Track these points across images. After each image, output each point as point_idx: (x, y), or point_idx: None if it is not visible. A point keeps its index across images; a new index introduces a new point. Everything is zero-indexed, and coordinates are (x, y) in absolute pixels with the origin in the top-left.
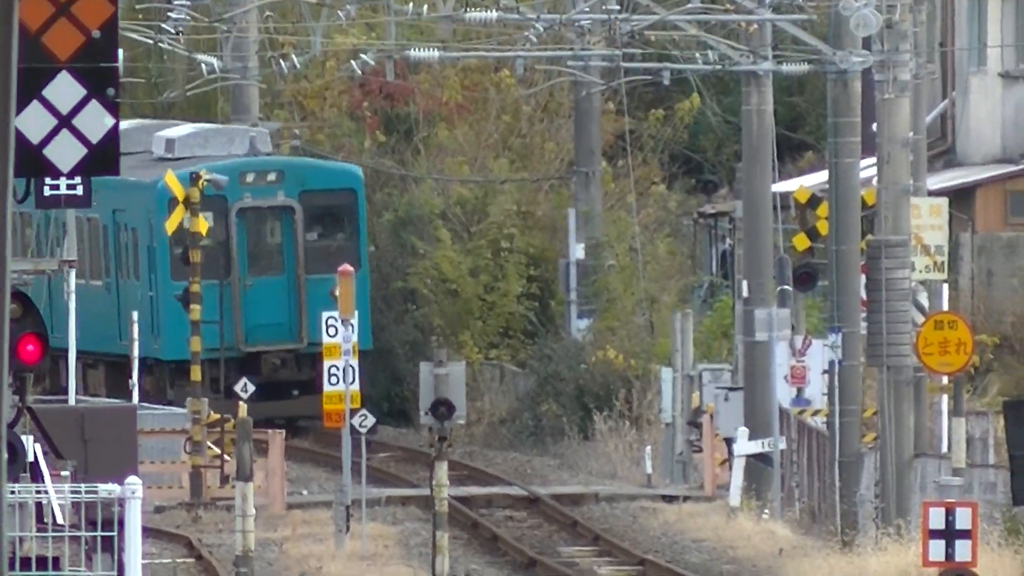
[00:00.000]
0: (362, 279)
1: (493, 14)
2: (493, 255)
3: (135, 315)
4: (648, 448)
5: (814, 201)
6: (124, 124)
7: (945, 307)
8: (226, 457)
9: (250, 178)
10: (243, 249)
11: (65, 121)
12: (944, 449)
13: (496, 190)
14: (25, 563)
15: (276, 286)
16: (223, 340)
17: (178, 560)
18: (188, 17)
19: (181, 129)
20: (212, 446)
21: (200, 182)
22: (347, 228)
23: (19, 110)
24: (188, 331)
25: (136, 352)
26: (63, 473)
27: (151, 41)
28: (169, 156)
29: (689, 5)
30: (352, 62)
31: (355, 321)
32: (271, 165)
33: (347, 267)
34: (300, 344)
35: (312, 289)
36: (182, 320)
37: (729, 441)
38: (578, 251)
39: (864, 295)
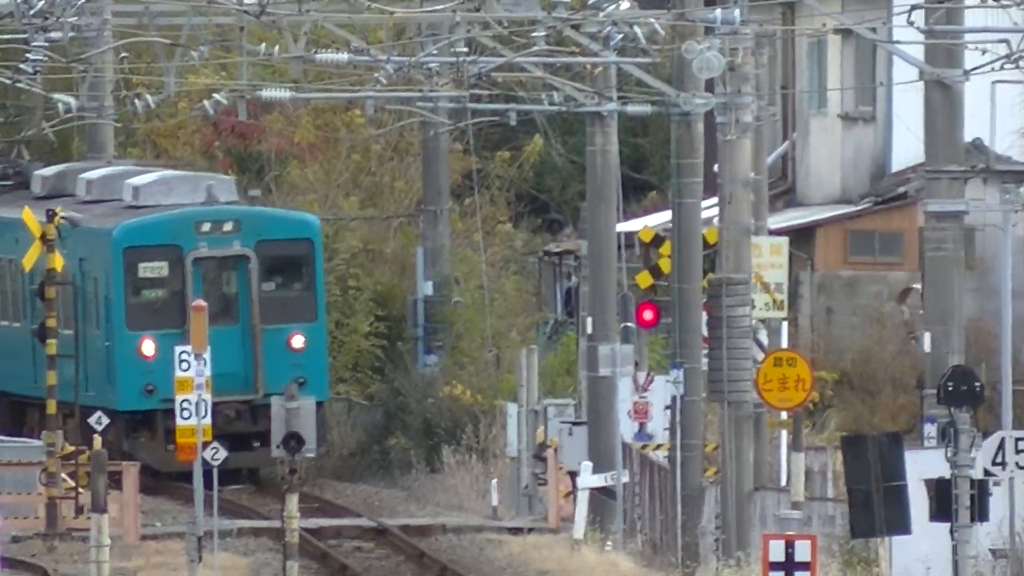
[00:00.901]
0: (319, 330)
1: (344, 55)
2: (342, 292)
3: None
4: (494, 481)
5: (657, 240)
6: (98, 172)
7: (785, 344)
8: (80, 489)
9: (206, 227)
10: (198, 298)
11: None
12: (783, 483)
13: (346, 228)
14: None
15: (231, 336)
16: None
17: None
18: (46, 57)
19: (146, 177)
20: (67, 478)
21: (56, 219)
22: (304, 278)
23: None
24: (144, 381)
25: None
26: None
27: (9, 81)
28: (135, 204)
29: (535, 48)
30: (205, 102)
31: (207, 355)
32: (227, 214)
33: (200, 303)
34: (256, 395)
35: (268, 339)
36: (138, 370)
37: (573, 474)
38: (426, 288)
39: (705, 332)
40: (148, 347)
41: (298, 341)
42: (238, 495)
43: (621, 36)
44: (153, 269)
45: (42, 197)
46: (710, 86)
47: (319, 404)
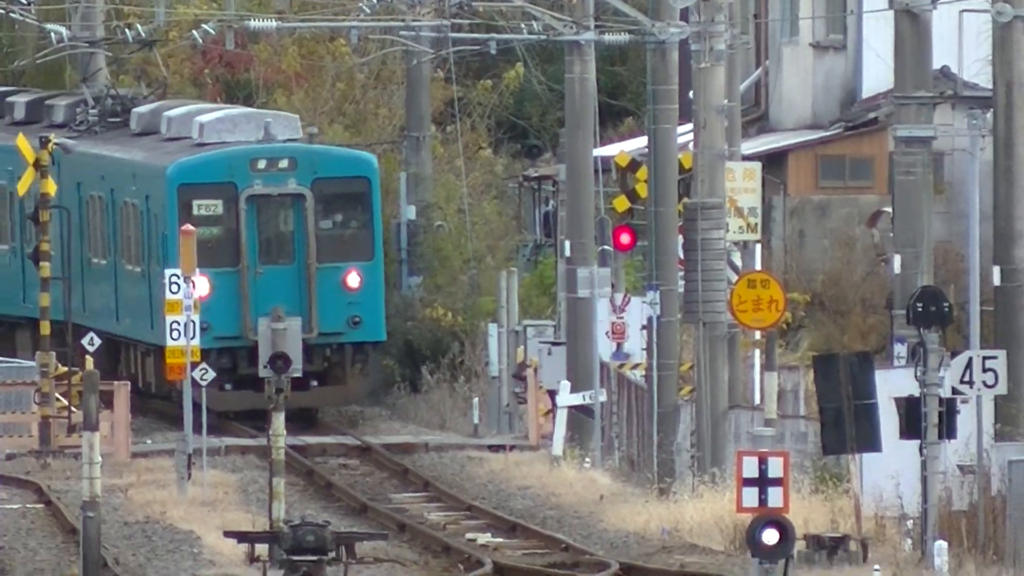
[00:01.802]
0: (376, 269)
1: None
2: None
3: None
4: (476, 400)
5: (634, 165)
6: (178, 110)
7: (758, 266)
8: (73, 408)
9: (261, 164)
10: (253, 237)
11: None
12: (757, 401)
13: None
14: None
15: (287, 275)
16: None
17: (28, 505)
18: None
19: (212, 115)
20: (60, 397)
21: (49, 146)
22: (361, 217)
23: None
24: (201, 320)
25: None
26: None
27: (3, 11)
28: (202, 141)
29: None
30: (194, 31)
31: (196, 278)
32: (283, 152)
33: (188, 227)
34: (311, 334)
35: (324, 278)
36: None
37: (552, 393)
38: (409, 212)
39: (681, 255)
40: (202, 285)
41: (354, 280)
42: (226, 414)
43: None
44: (207, 207)
45: (137, 134)
46: (685, 15)
47: (376, 344)
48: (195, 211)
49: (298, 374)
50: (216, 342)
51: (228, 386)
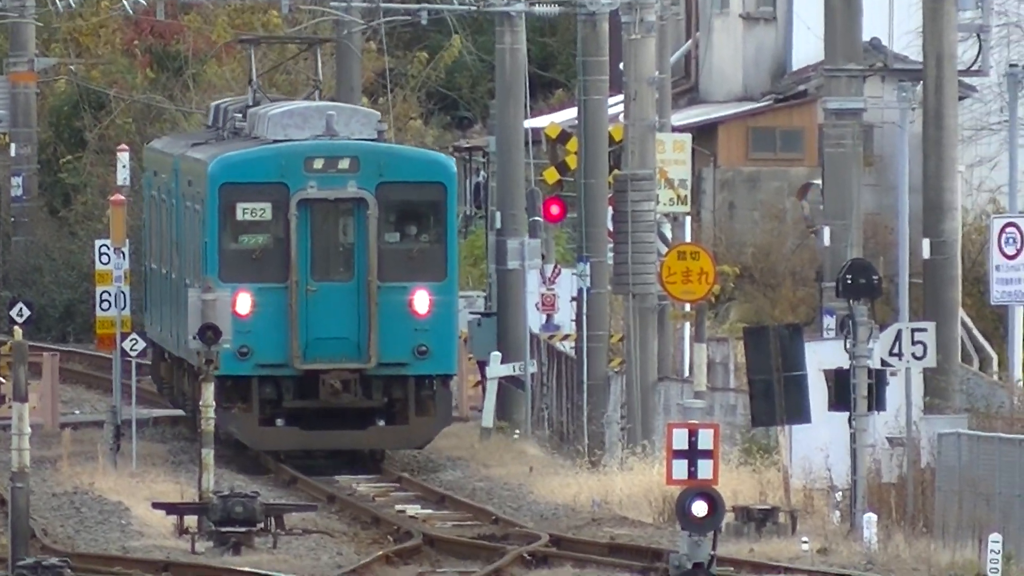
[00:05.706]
0: (449, 290)
1: None
2: None
3: None
4: None
5: (564, 136)
6: (263, 108)
7: (688, 238)
8: (2, 379)
9: (318, 164)
10: (305, 248)
11: None
12: (687, 373)
13: None
14: None
15: (343, 294)
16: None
17: None
18: None
19: (278, 109)
20: None
21: None
22: (433, 229)
23: None
24: (238, 342)
25: None
26: None
27: None
28: (269, 138)
29: None
30: (124, 1)
31: (125, 249)
32: (343, 150)
33: (119, 197)
34: (368, 364)
35: (387, 299)
36: (236, 331)
37: (482, 364)
38: None
39: (611, 226)
40: (244, 303)
41: (422, 302)
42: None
43: None
44: (254, 211)
45: (249, 136)
46: None
47: (446, 379)
48: (239, 215)
49: (227, 345)
50: (258, 370)
51: (279, 422)
